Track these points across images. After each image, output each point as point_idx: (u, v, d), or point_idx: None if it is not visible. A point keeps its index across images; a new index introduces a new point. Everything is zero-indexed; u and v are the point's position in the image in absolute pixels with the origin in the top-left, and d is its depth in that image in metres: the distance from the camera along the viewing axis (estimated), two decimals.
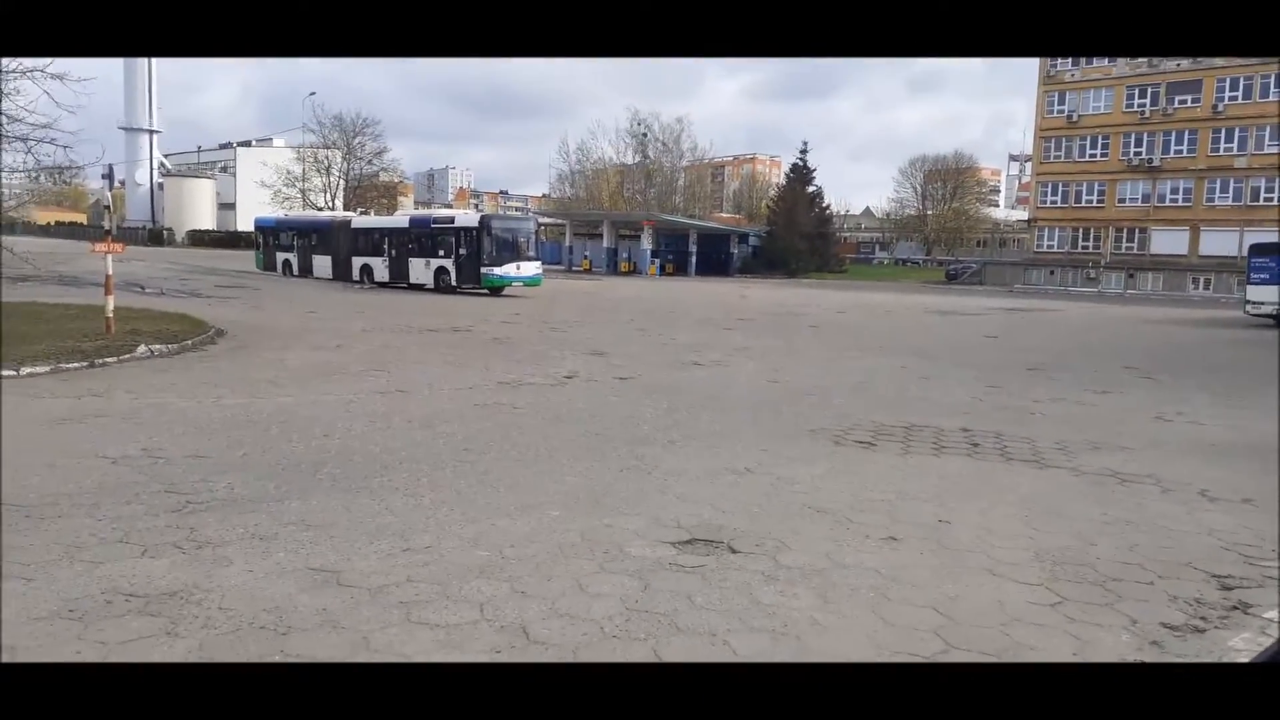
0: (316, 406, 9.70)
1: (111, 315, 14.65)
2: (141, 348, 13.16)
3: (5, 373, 10.84)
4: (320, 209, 55.17)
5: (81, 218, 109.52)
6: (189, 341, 14.34)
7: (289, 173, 60.98)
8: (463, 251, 30.42)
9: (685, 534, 5.58)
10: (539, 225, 39.84)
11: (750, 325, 23.22)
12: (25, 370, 11.12)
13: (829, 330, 22.93)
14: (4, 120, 15.48)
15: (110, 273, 15.23)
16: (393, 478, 6.72)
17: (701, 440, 8.52)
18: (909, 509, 6.32)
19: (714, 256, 65.18)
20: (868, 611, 4.48)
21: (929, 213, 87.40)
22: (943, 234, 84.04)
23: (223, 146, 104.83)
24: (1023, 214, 75.79)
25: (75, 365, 11.75)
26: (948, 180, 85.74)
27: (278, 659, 3.75)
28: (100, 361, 12.12)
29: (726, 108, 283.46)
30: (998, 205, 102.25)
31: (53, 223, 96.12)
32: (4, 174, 17.37)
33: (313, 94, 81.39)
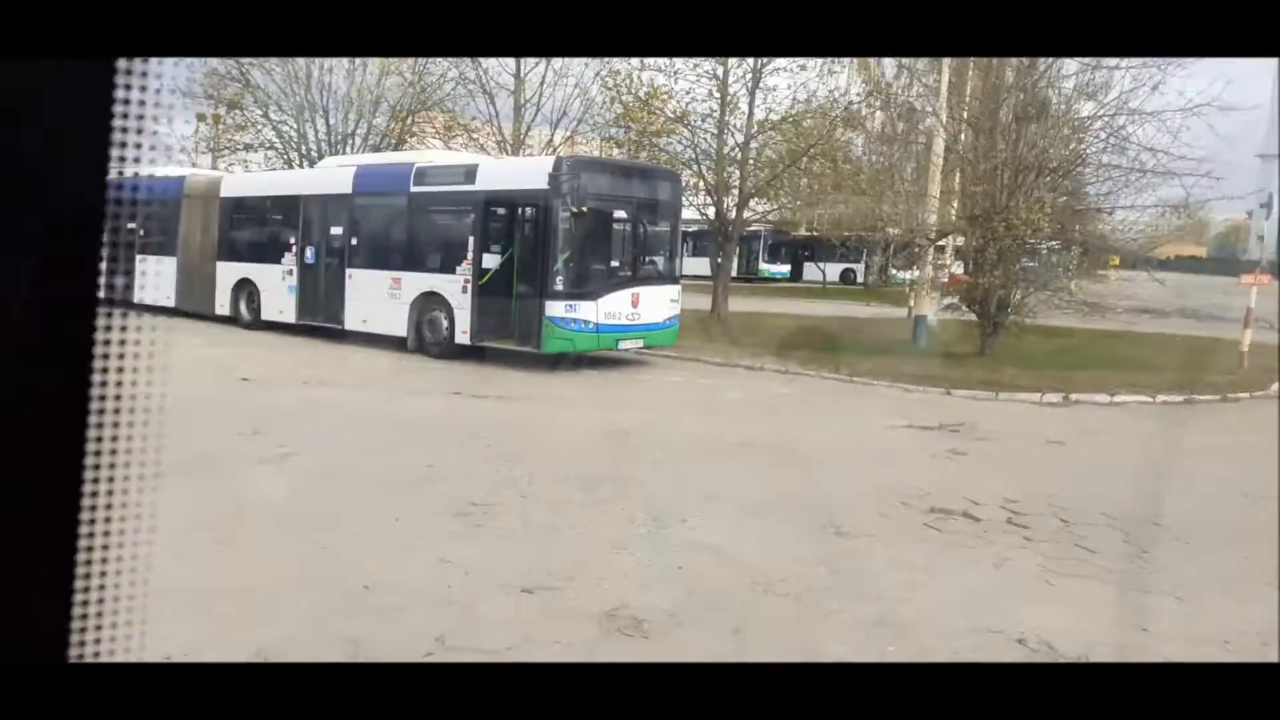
0: None
1: (1246, 350, 13.96)
2: (1276, 385, 12.45)
3: (1141, 399, 11.50)
4: None
5: (1201, 251, 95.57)
6: None
7: None
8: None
9: None
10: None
11: None
12: (1160, 398, 11.56)
13: None
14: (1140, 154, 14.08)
15: (1251, 305, 14.28)
16: None
17: None
18: None
19: None
20: None
21: None
22: None
23: None
24: None
25: (1207, 398, 11.87)
26: None
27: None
28: (1232, 396, 12.01)
29: None
30: None
31: (1171, 256, 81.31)
32: (1134, 210, 15.78)
33: None
